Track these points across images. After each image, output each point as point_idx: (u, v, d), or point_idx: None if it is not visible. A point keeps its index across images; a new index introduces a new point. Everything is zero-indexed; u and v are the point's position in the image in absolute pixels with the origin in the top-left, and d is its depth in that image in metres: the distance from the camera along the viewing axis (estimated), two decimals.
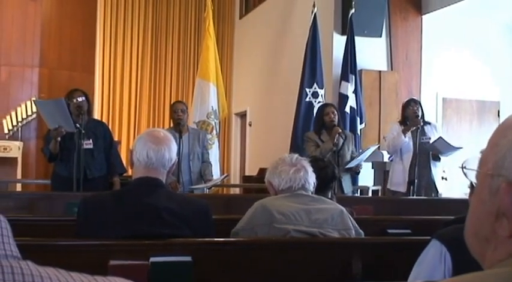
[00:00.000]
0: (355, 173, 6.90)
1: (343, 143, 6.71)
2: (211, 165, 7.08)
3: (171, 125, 6.90)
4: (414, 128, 6.92)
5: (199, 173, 6.74)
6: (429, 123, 7.20)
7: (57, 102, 5.84)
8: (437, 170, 7.11)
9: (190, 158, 6.62)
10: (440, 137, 6.91)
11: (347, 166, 6.68)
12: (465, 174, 1.11)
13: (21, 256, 0.88)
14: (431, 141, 6.98)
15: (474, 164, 1.07)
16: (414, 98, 7.56)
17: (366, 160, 7.58)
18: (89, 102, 6.24)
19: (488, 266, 1.00)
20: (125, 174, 6.72)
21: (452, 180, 7.52)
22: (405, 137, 6.96)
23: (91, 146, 6.02)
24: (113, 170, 6.27)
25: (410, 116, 7.01)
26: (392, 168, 7.32)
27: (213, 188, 7.79)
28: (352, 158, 6.76)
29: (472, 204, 1.06)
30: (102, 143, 6.19)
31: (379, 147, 8.02)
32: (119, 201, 2.85)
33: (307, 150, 6.56)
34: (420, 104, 7.19)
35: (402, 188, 7.03)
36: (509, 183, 0.96)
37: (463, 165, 1.11)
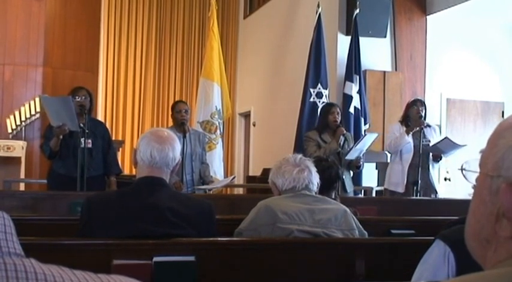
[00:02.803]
0: (356, 167, 6.80)
1: (343, 143, 6.71)
2: (209, 166, 7.16)
3: (172, 124, 6.89)
4: (417, 128, 6.91)
5: (199, 174, 6.76)
6: (429, 126, 7.17)
7: (64, 100, 5.80)
8: (435, 172, 7.11)
9: (192, 158, 6.63)
10: (446, 137, 6.89)
11: (346, 157, 6.60)
12: (465, 176, 1.11)
13: (24, 254, 0.88)
14: (431, 144, 6.97)
15: (473, 166, 1.07)
16: (420, 98, 7.51)
17: (370, 160, 7.56)
18: (92, 101, 6.23)
19: (490, 267, 0.99)
20: (128, 174, 6.71)
21: (455, 180, 7.51)
22: (408, 137, 6.94)
23: (90, 145, 6.02)
24: (109, 170, 6.28)
25: (413, 116, 7.00)
26: (391, 168, 7.29)
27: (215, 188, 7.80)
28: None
29: (472, 206, 1.05)
30: (101, 143, 6.19)
31: (379, 143, 7.99)
32: (123, 201, 2.85)
33: (308, 150, 6.51)
34: (425, 105, 7.15)
35: (400, 189, 7.02)
36: (509, 183, 0.96)
37: (463, 167, 1.11)
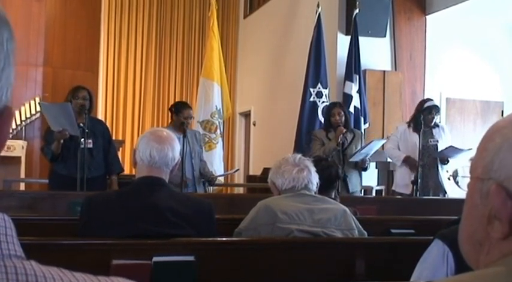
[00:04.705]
0: (361, 169, 6.83)
1: (350, 142, 6.71)
2: (207, 163, 7.27)
3: (171, 123, 6.88)
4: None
5: (200, 171, 6.80)
6: (437, 126, 7.18)
7: (63, 107, 5.78)
8: (444, 172, 7.11)
9: (192, 156, 6.66)
10: (451, 146, 6.88)
11: (350, 159, 6.64)
12: (457, 183, 1.13)
13: (25, 256, 0.88)
14: (438, 144, 6.98)
15: (464, 173, 1.09)
16: (435, 104, 7.29)
17: (371, 160, 7.56)
18: (92, 102, 6.22)
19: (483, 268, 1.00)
20: (128, 173, 6.71)
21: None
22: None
23: (91, 145, 6.01)
24: (111, 169, 6.27)
25: (426, 121, 6.95)
26: (398, 171, 7.31)
27: (216, 187, 7.82)
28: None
29: (464, 211, 1.07)
30: (101, 142, 6.18)
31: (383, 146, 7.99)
32: (123, 201, 2.85)
33: (313, 149, 6.57)
34: (439, 109, 7.18)
35: (408, 190, 7.02)
36: (499, 184, 0.97)
37: (454, 175, 1.13)
